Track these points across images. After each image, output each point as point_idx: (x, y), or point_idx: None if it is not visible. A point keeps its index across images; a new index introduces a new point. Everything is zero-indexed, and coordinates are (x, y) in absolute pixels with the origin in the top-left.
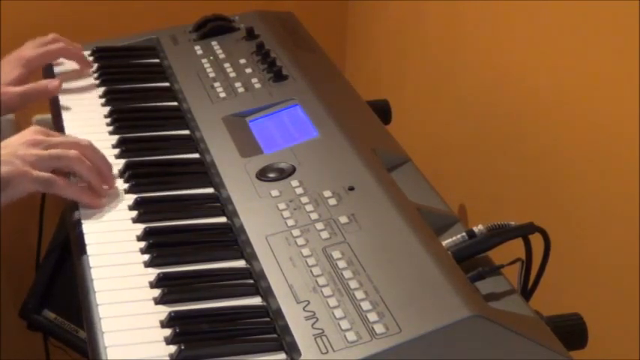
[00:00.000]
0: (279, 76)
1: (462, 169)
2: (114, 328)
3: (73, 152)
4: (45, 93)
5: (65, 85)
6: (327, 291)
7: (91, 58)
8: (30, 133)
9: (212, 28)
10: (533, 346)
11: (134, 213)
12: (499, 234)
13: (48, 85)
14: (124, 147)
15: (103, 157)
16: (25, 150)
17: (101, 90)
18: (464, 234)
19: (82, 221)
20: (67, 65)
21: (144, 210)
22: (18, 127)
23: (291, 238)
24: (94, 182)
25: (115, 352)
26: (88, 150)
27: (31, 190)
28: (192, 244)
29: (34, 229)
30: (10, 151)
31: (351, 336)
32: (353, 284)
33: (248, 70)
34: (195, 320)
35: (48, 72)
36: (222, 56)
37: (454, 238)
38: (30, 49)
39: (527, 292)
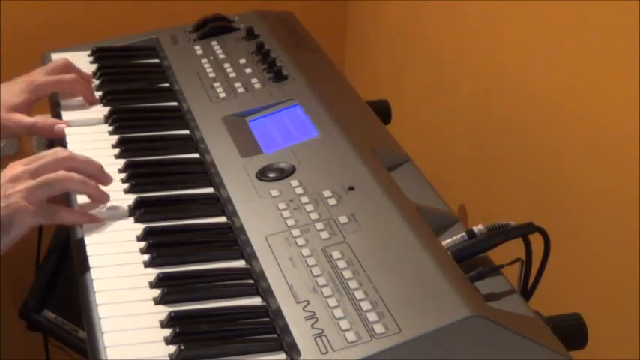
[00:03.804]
0: (279, 76)
1: (462, 169)
2: (114, 328)
3: (60, 173)
4: (49, 133)
5: None
6: (326, 291)
7: (90, 58)
8: (10, 170)
9: (212, 28)
10: (533, 346)
11: (134, 213)
12: (499, 234)
13: (55, 127)
14: (124, 147)
15: (87, 161)
16: (13, 187)
17: (101, 90)
18: (464, 234)
19: None
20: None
21: (144, 210)
22: None
23: (291, 238)
24: (92, 192)
25: (114, 352)
26: (71, 161)
27: (33, 225)
28: (192, 244)
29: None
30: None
31: (350, 336)
32: (353, 284)
33: (248, 70)
34: (195, 320)
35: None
36: (222, 56)
37: (454, 238)
38: (41, 75)
39: (527, 292)
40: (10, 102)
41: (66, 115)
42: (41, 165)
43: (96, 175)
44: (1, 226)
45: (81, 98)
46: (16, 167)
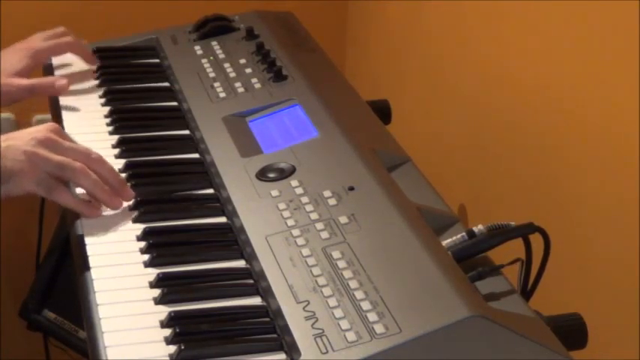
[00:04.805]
0: (279, 76)
1: (462, 169)
2: (114, 328)
3: (78, 164)
4: (51, 90)
5: None
6: (327, 291)
7: None
8: (45, 130)
9: (212, 28)
10: (533, 346)
11: (134, 213)
12: (499, 234)
13: (55, 83)
14: (124, 147)
15: (111, 170)
16: (34, 148)
17: (101, 90)
18: (464, 234)
19: (82, 221)
20: (68, 68)
21: (144, 210)
22: (18, 127)
23: (291, 238)
24: (99, 195)
25: (114, 352)
26: (96, 163)
27: (31, 190)
28: (192, 244)
29: (34, 229)
30: (18, 144)
31: (350, 336)
32: (353, 284)
33: (248, 70)
34: (195, 320)
35: (48, 70)
36: (222, 56)
37: (454, 238)
38: (39, 41)
39: (527, 292)
40: (11, 70)
41: (66, 115)
42: (71, 148)
43: (113, 185)
44: (0, 174)
45: (80, 96)
46: (52, 132)
